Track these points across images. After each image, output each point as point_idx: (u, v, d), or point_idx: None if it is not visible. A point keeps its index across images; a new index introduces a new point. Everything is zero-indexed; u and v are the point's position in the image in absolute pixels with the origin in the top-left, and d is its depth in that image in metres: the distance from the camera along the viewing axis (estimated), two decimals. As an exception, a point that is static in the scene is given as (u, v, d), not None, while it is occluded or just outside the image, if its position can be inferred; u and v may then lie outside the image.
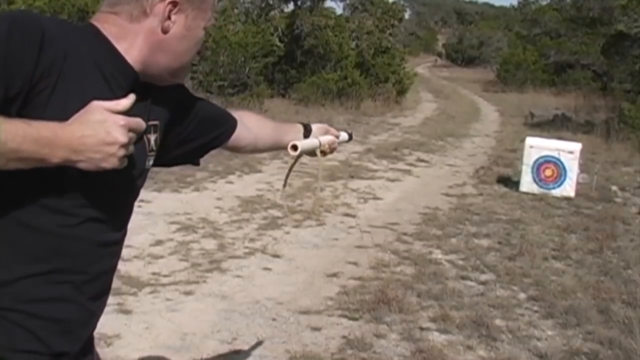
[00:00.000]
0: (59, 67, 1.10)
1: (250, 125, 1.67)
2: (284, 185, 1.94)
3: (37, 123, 1.07)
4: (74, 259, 1.21)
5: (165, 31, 1.24)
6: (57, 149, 1.08)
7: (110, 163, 1.13)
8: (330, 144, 1.81)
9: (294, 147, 1.62)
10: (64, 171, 1.12)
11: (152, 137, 1.34)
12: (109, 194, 1.23)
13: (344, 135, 1.95)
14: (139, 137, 1.26)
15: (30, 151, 1.06)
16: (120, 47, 1.22)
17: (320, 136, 1.79)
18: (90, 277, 1.25)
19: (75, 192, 1.18)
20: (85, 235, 1.22)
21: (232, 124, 1.61)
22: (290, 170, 1.85)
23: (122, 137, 1.12)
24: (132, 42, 1.23)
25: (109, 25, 1.22)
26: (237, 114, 1.66)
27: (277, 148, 1.77)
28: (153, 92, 1.32)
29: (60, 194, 1.17)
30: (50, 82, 1.10)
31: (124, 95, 1.20)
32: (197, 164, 1.62)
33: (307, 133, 1.79)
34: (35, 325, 1.19)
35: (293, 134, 1.76)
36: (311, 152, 1.73)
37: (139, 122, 1.17)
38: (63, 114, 1.11)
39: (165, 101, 1.37)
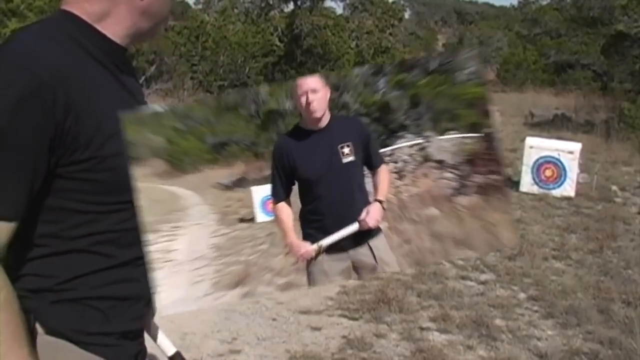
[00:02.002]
0: (73, 94, 1.11)
1: None
2: None
3: None
4: (131, 248, 1.24)
5: None
6: None
7: None
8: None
9: None
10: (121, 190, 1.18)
11: None
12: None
13: None
14: None
15: None
16: (105, 26, 1.20)
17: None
18: (142, 260, 1.27)
19: (126, 192, 1.20)
20: (135, 224, 1.24)
21: None
22: None
23: None
24: (116, 16, 1.20)
25: (89, 5, 1.19)
26: None
27: None
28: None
29: (118, 197, 1.20)
30: (72, 114, 1.10)
31: (122, 71, 1.24)
32: None
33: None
34: (105, 306, 1.22)
35: None
36: None
37: None
38: (93, 126, 1.12)
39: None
